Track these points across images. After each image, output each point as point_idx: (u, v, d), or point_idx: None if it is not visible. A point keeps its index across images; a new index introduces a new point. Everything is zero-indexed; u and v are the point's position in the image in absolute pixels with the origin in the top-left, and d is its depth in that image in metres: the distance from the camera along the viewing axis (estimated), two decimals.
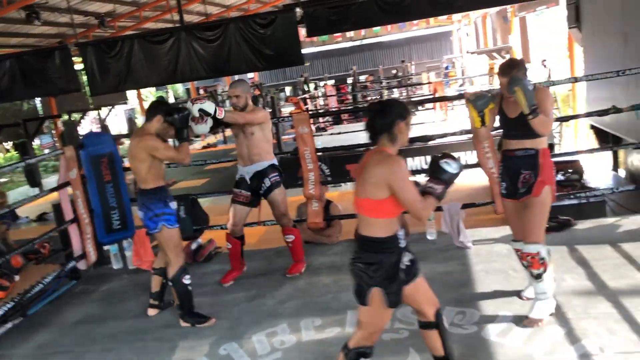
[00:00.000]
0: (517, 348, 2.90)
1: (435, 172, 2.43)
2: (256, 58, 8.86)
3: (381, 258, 2.39)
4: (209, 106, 3.83)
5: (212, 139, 21.53)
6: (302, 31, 9.44)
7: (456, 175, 2.44)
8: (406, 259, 2.45)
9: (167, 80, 10.25)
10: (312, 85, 21.60)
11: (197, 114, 3.82)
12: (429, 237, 4.63)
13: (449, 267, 4.02)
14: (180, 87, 30.60)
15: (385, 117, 2.40)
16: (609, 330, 2.91)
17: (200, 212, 4.98)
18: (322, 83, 22.35)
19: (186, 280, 3.72)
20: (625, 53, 6.93)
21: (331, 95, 17.88)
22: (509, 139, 3.20)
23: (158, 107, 3.69)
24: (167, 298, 4.06)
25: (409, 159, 10.55)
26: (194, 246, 4.99)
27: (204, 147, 19.79)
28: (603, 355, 2.71)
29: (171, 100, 29.81)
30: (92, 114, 21.01)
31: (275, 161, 4.26)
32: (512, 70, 3.05)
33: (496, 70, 14.22)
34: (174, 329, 3.73)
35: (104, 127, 15.55)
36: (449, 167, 2.41)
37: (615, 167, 8.87)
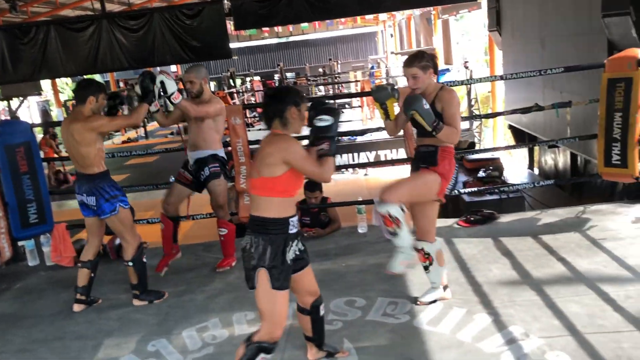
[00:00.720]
0: (447, 335, 2.97)
1: (315, 132, 2.53)
2: (182, 49, 8.62)
3: (269, 238, 2.43)
4: (171, 84, 3.75)
5: (132, 134, 20.82)
6: (230, 24, 9.28)
7: (332, 125, 2.52)
8: (296, 247, 2.52)
9: (87, 71, 9.77)
10: (238, 81, 21.34)
11: (157, 85, 3.73)
12: (360, 231, 4.68)
13: (380, 259, 4.06)
14: (99, 79, 29.36)
15: (278, 102, 2.48)
16: (533, 316, 3.04)
17: None
18: (248, 79, 22.13)
19: (145, 258, 3.80)
20: (542, 57, 7.30)
21: (258, 91, 17.75)
22: (417, 135, 3.23)
23: (88, 88, 3.57)
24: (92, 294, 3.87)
25: (337, 157, 10.70)
26: (117, 242, 4.77)
27: (124, 142, 19.11)
28: (528, 339, 2.82)
29: None
30: (1, 105, 19.77)
31: (220, 152, 4.16)
32: (415, 61, 3.03)
33: None
34: (97, 327, 3.55)
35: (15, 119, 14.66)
36: (322, 121, 2.51)
37: (531, 165, 9.36)
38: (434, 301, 3.27)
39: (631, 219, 4.28)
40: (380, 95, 3.13)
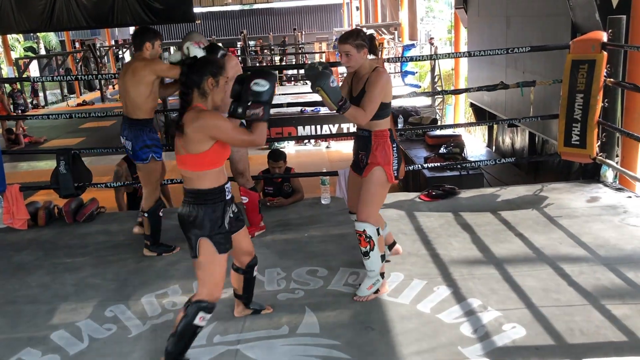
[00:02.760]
0: (408, 306, 3.01)
1: (250, 97, 2.50)
2: (143, 11, 8.35)
3: (208, 208, 2.49)
4: (197, 51, 3.60)
5: (89, 96, 20.17)
6: None
7: (268, 90, 2.51)
8: (230, 211, 2.60)
9: (41, 28, 9.38)
10: None
11: (185, 52, 3.64)
12: (323, 202, 4.67)
13: (342, 230, 4.08)
14: (53, 38, 28.18)
15: (195, 72, 2.46)
16: (491, 289, 3.11)
17: (83, 169, 4.64)
18: None
19: (161, 213, 3.84)
20: (507, 35, 7.39)
21: None
22: None
23: (144, 34, 3.67)
24: (51, 261, 3.76)
25: (300, 127, 10.65)
26: (73, 205, 4.63)
27: (79, 105, 18.52)
28: (486, 311, 2.89)
29: (42, 52, 27.38)
30: None
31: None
32: (350, 38, 2.93)
33: (385, 46, 14.53)
34: (52, 291, 3.45)
35: None
36: (259, 86, 2.49)
37: (490, 144, 9.54)
38: (376, 292, 3.09)
39: (586, 198, 4.41)
40: (312, 74, 2.88)
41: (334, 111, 2.92)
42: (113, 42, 26.83)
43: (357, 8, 23.96)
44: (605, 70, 4.28)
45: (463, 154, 6.98)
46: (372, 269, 3.05)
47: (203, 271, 2.55)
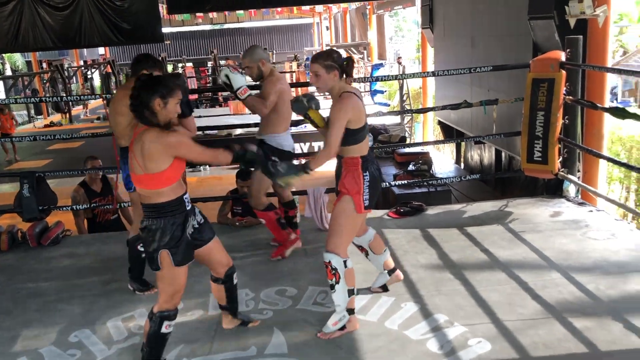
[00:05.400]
0: (376, 323, 3.03)
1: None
2: (111, 31, 8.30)
3: (166, 222, 2.53)
4: (237, 79, 3.60)
5: (56, 117, 19.88)
6: (163, 8, 9.00)
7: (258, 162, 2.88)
8: (194, 221, 2.67)
9: (6, 48, 9.24)
10: (170, 67, 20.79)
11: (222, 79, 3.64)
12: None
13: (312, 250, 4.09)
14: (19, 59, 27.75)
15: (143, 94, 2.48)
16: (457, 305, 3.15)
17: (48, 191, 4.57)
18: (180, 65, 21.60)
19: (140, 248, 3.50)
20: (472, 55, 7.55)
21: (190, 77, 17.36)
22: None
23: (143, 62, 3.46)
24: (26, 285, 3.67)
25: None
26: (37, 229, 4.54)
27: (46, 126, 18.25)
28: (452, 327, 2.92)
29: (8, 73, 26.94)
30: None
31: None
32: (320, 59, 2.88)
33: (355, 65, 14.69)
34: (15, 317, 3.37)
35: None
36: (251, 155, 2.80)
37: (458, 160, 9.69)
38: (342, 328, 2.92)
39: (550, 212, 4.51)
40: (297, 107, 2.96)
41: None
42: (82, 63, 26.58)
43: (327, 28, 24.24)
44: (565, 88, 4.42)
45: (431, 171, 7.07)
46: (338, 304, 2.89)
47: (163, 282, 2.61)
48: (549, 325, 2.90)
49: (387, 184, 5.69)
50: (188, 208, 2.63)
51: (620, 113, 3.87)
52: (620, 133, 6.77)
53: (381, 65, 11.77)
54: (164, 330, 2.60)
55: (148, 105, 2.47)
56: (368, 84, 11.63)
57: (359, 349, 2.80)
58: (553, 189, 4.92)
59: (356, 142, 2.90)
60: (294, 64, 15.95)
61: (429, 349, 2.76)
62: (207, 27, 27.44)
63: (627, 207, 5.05)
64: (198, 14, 16.96)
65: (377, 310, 3.16)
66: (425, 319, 3.03)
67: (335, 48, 19.38)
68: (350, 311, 2.94)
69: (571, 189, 4.80)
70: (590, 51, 4.70)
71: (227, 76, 3.62)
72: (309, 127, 3.99)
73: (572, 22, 4.71)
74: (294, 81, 13.68)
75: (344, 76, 2.94)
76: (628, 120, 3.94)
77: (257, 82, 3.94)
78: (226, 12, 17.82)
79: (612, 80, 15.89)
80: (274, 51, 23.12)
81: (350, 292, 2.91)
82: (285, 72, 13.93)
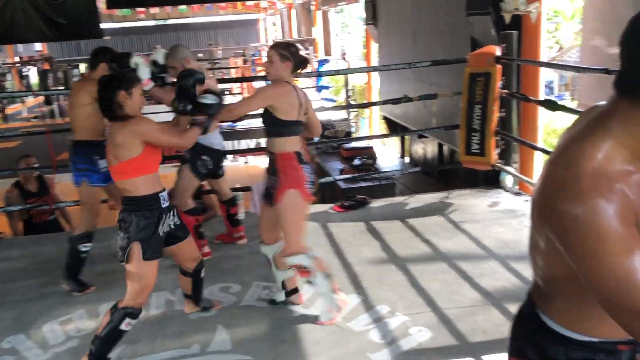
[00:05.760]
0: (317, 317, 3.04)
1: (197, 107, 2.72)
2: (47, 27, 8.01)
3: (142, 214, 2.58)
4: (143, 70, 3.31)
5: None
6: (101, 3, 8.74)
7: (215, 105, 2.72)
8: (170, 220, 2.71)
9: None
10: None
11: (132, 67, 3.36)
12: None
13: (257, 246, 4.05)
14: None
15: (106, 90, 2.58)
16: (399, 295, 3.21)
17: None
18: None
19: (82, 247, 3.47)
20: (414, 50, 7.67)
21: None
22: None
23: (101, 54, 3.48)
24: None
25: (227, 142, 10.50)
26: None
27: None
28: (394, 317, 2.98)
29: None
30: None
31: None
32: (278, 46, 2.89)
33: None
34: None
35: None
36: (206, 99, 2.71)
37: (403, 154, 9.85)
38: (338, 309, 3.00)
39: (488, 203, 4.66)
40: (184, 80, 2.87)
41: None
42: (17, 59, 25.49)
43: (274, 24, 24.11)
44: (501, 82, 4.56)
45: (375, 165, 7.17)
46: (322, 292, 2.96)
47: (131, 277, 2.60)
48: (487, 311, 2.99)
49: (333, 178, 5.75)
50: (164, 206, 2.66)
51: (551, 105, 4.03)
52: (554, 125, 7.04)
53: (326, 61, 11.81)
54: (123, 327, 2.59)
55: (114, 100, 2.55)
56: (314, 79, 11.65)
57: (302, 341, 2.81)
58: (492, 180, 5.07)
59: (287, 135, 2.86)
60: (239, 60, 15.79)
61: (371, 339, 2.80)
62: (151, 23, 26.81)
63: None
64: (138, 9, 16.54)
65: (321, 304, 3.17)
66: (368, 311, 3.07)
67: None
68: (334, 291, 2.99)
69: (508, 180, 4.97)
70: (525, 46, 4.86)
71: (136, 64, 3.41)
72: (254, 123, 3.96)
73: (507, 18, 4.86)
74: (239, 77, 13.52)
75: (295, 71, 2.94)
76: (559, 112, 4.09)
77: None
78: (169, 8, 17.45)
79: (549, 75, 16.50)
80: (220, 47, 22.82)
81: (327, 276, 2.95)
82: (230, 68, 13.82)
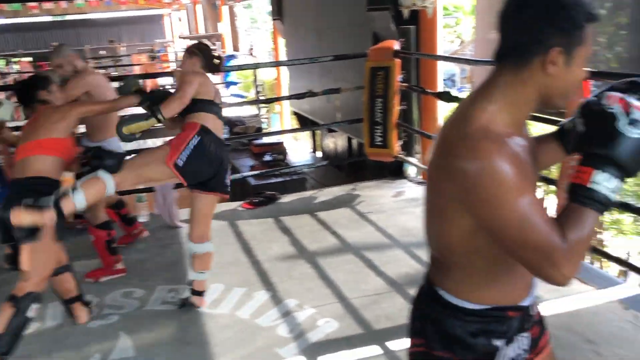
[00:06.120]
0: (227, 315, 3.01)
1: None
2: None
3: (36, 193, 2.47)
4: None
5: None
6: None
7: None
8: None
9: None
10: (1, 62, 18.92)
11: None
12: (141, 220, 4.48)
13: (162, 248, 3.96)
14: None
15: (28, 91, 2.89)
16: (307, 288, 3.23)
17: None
18: (15, 59, 19.72)
19: None
20: (318, 45, 7.75)
21: (27, 73, 15.92)
22: None
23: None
24: None
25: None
26: None
27: None
28: (301, 310, 3.00)
29: None
30: None
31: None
32: (189, 45, 3.08)
33: None
34: None
35: None
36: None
37: (314, 149, 9.93)
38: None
39: (393, 193, 4.79)
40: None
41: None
42: None
43: (180, 19, 23.51)
44: (401, 75, 4.69)
45: (286, 161, 7.18)
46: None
47: (39, 259, 2.55)
48: (391, 298, 3.08)
49: (242, 175, 5.69)
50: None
51: (446, 97, 4.20)
52: None
53: (233, 56, 11.67)
54: (30, 314, 2.54)
55: (37, 99, 2.86)
56: (222, 75, 11.51)
57: (209, 342, 2.77)
58: (395, 171, 5.22)
59: (200, 110, 2.87)
60: (143, 57, 15.28)
61: (278, 334, 2.80)
62: (48, 19, 25.30)
63: None
64: (30, 4, 15.56)
65: (228, 302, 3.14)
66: (276, 306, 3.07)
67: (188, 39, 18.90)
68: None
69: (411, 170, 5.13)
70: (423, 40, 5.03)
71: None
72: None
73: (405, 13, 5.00)
74: (142, 73, 13.10)
75: (209, 70, 3.03)
76: (454, 103, 4.26)
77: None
78: (63, 3, 16.54)
79: (451, 68, 17.19)
80: (124, 43, 21.95)
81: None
82: (134, 65, 13.32)
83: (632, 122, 1.02)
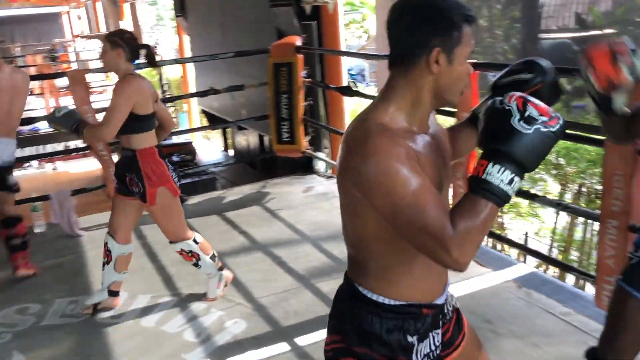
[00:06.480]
0: (131, 324, 2.90)
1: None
2: None
3: None
4: None
5: None
6: None
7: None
8: None
9: None
10: None
11: None
12: (37, 230, 4.22)
13: (60, 259, 3.76)
14: None
15: None
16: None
17: None
18: None
19: None
20: (224, 42, 7.63)
21: None
22: None
23: None
24: None
25: (18, 150, 9.48)
26: None
27: None
28: (209, 314, 2.93)
29: None
30: None
31: None
32: (110, 35, 2.75)
33: None
34: None
35: None
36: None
37: (226, 148, 9.80)
38: (225, 285, 3.10)
39: (303, 188, 4.81)
40: (50, 121, 2.88)
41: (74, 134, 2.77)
42: None
43: (79, 17, 22.40)
44: (304, 71, 4.70)
45: (195, 161, 7.03)
46: (208, 272, 3.03)
47: None
48: (300, 294, 3.08)
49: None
50: None
51: (347, 92, 4.25)
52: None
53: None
54: None
55: None
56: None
57: (112, 354, 2.66)
58: (305, 167, 5.24)
59: (145, 130, 2.77)
60: (38, 57, 14.42)
61: (185, 339, 2.73)
62: None
63: None
64: None
65: (132, 311, 3.02)
66: (183, 311, 2.99)
67: (86, 39, 18.04)
68: (220, 268, 3.08)
69: (321, 165, 5.17)
70: (326, 36, 5.07)
71: None
72: None
73: (307, 8, 5.02)
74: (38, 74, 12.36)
75: (134, 60, 2.77)
76: (355, 97, 4.33)
77: None
78: None
79: (362, 64, 17.48)
80: (18, 43, 20.63)
81: (213, 258, 3.02)
82: (29, 66, 12.53)
83: (526, 119, 1.07)
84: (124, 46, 2.73)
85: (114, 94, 2.71)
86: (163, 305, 3.06)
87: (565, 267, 3.92)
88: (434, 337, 1.30)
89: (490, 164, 1.08)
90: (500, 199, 1.08)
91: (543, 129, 1.07)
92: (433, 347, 1.30)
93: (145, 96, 2.73)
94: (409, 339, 1.24)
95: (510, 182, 1.08)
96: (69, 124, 2.75)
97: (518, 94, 1.12)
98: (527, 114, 1.08)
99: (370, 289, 1.24)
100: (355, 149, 1.13)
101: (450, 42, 1.15)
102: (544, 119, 1.08)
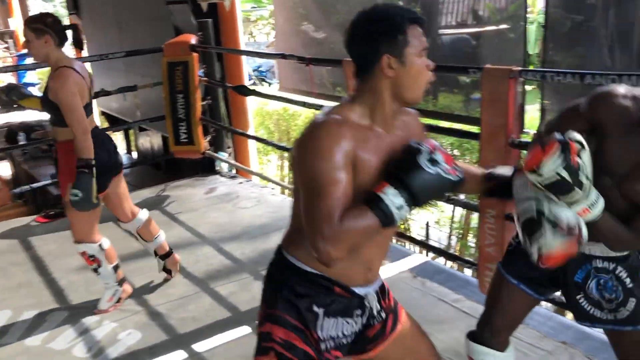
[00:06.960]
0: (14, 345, 2.71)
1: None
2: None
3: None
4: None
5: None
6: None
7: None
8: None
9: None
10: None
11: None
12: None
13: None
14: None
15: None
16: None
17: None
18: None
19: None
20: (122, 40, 7.34)
21: None
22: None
23: None
24: None
25: None
26: None
27: None
28: (101, 326, 2.80)
29: None
30: None
31: None
32: (30, 22, 2.55)
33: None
34: None
35: None
36: None
37: (129, 150, 9.44)
38: (118, 301, 2.96)
39: (205, 190, 4.71)
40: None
41: None
42: None
43: None
44: (202, 70, 4.60)
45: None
46: (106, 282, 2.92)
47: None
48: (198, 299, 3.01)
49: (42, 184, 5.19)
50: None
51: (243, 91, 4.21)
52: (267, 109, 7.45)
53: (28, 55, 10.59)
54: None
55: None
56: (16, 76, 10.42)
57: None
58: (207, 167, 5.14)
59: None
60: None
61: (75, 355, 2.59)
62: None
63: (263, 176, 5.21)
64: None
65: (16, 330, 2.83)
66: (73, 326, 2.83)
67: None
68: (121, 282, 2.98)
69: (223, 165, 5.09)
70: (225, 34, 4.98)
71: None
72: None
73: (204, 6, 4.91)
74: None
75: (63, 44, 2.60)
76: (251, 96, 4.30)
77: None
78: None
79: (270, 61, 17.39)
80: None
81: (115, 268, 2.93)
82: None
83: (432, 161, 1.22)
84: (50, 32, 2.53)
85: (59, 94, 2.50)
86: (52, 320, 2.89)
87: (450, 257, 4.09)
88: (343, 324, 1.38)
89: (390, 187, 1.19)
90: (386, 218, 1.19)
91: (443, 174, 1.21)
92: (341, 334, 1.38)
93: (81, 87, 2.57)
94: (315, 308, 1.34)
95: (399, 207, 1.19)
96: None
97: (436, 142, 1.25)
98: (434, 156, 1.22)
99: (292, 254, 1.36)
100: (306, 130, 1.25)
101: (398, 46, 1.24)
102: (447, 167, 1.22)
